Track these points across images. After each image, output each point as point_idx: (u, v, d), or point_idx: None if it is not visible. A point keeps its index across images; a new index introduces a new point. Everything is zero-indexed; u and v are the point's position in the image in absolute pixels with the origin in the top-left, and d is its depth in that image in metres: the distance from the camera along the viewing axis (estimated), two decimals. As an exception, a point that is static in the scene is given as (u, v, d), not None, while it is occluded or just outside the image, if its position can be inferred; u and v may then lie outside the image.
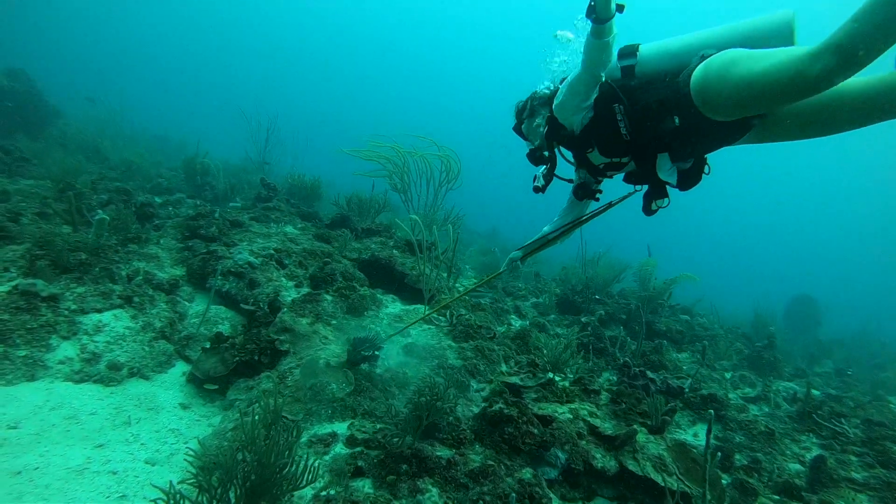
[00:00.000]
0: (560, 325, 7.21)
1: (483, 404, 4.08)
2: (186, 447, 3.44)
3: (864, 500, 4.24)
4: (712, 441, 4.81)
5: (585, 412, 3.98)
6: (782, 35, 2.25)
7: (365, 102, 64.60)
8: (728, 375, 7.08)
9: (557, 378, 4.67)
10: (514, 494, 2.86)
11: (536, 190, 3.12)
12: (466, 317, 5.32)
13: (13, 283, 4.13)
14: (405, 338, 4.98)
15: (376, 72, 69.15)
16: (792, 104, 2.16)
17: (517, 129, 3.24)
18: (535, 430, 3.55)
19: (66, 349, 3.90)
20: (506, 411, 3.61)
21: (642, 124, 2.52)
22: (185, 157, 9.07)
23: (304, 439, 3.39)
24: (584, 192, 3.17)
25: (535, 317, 7.34)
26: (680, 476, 3.48)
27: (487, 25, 62.37)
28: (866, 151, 50.31)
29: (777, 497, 4.18)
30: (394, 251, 6.35)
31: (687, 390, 5.27)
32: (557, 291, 8.50)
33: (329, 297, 5.05)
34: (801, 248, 56.65)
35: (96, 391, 3.80)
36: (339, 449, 3.32)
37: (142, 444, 3.41)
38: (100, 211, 5.70)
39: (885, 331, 14.27)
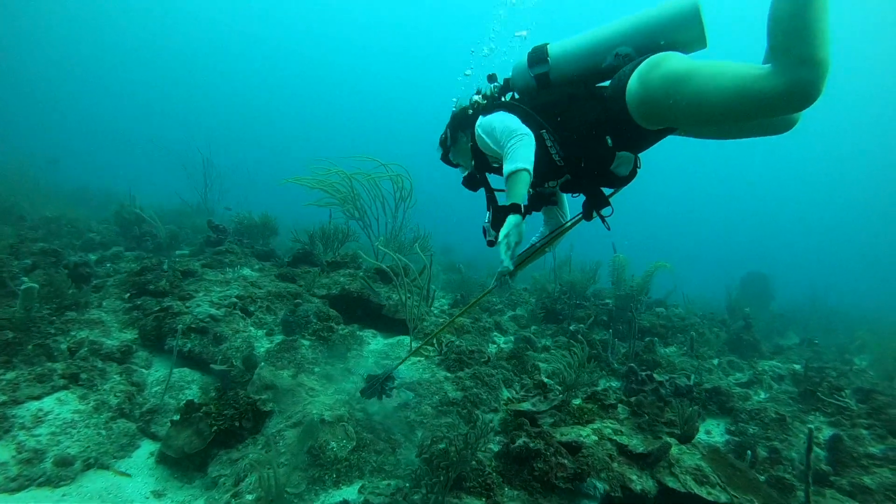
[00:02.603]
0: (544, 336, 6.95)
1: (496, 438, 3.72)
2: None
3: (888, 474, 4.15)
4: (733, 438, 4.63)
5: (609, 430, 3.69)
6: (690, 23, 2.10)
7: (301, 130, 62.85)
8: (716, 362, 7.02)
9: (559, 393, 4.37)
10: (569, 545, 2.51)
11: (490, 244, 2.80)
12: (457, 343, 4.96)
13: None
14: (397, 377, 4.56)
15: (307, 95, 67.60)
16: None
17: (444, 159, 3.09)
18: (567, 462, 3.21)
19: (-1, 452, 3.24)
20: (531, 445, 3.25)
21: (575, 147, 2.36)
22: (116, 208, 8.26)
23: (310, 515, 2.92)
24: (540, 201, 2.95)
25: (517, 331, 7.05)
26: (724, 486, 3.23)
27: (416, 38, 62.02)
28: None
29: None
30: (365, 282, 5.90)
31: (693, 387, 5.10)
32: (532, 301, 8.28)
33: (306, 342, 4.56)
34: (743, 225, 59.17)
35: (41, 497, 3.14)
36: (355, 520, 2.87)
37: (113, 553, 2.83)
38: (25, 279, 4.97)
39: (832, 297, 14.97)
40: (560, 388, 4.48)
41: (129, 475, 3.44)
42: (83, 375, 3.89)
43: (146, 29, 51.38)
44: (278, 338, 4.71)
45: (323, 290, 5.62)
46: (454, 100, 3.04)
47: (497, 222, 2.77)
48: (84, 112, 51.29)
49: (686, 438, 3.65)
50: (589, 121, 2.27)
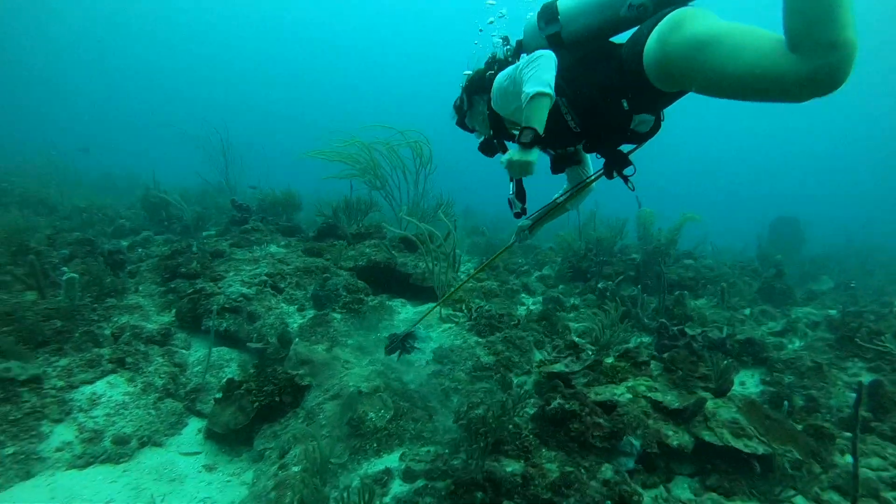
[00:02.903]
0: (572, 295, 6.93)
1: (531, 400, 3.77)
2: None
3: (929, 417, 4.10)
4: (768, 389, 4.61)
5: (643, 387, 3.71)
6: None
7: (317, 100, 61.95)
8: (748, 312, 6.94)
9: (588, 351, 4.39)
10: (609, 502, 2.57)
11: (518, 215, 2.86)
12: (486, 308, 4.99)
13: (-16, 371, 3.63)
14: (429, 343, 4.63)
15: (320, 66, 66.30)
16: None
17: (460, 123, 2.99)
18: (602, 421, 3.25)
19: (62, 433, 3.43)
20: (566, 406, 3.29)
21: (591, 113, 2.27)
22: (142, 193, 8.42)
23: (355, 483, 3.04)
24: (563, 162, 2.88)
25: (544, 291, 7.05)
26: (762, 438, 3.24)
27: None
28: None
29: (849, 433, 4.00)
30: (391, 252, 5.95)
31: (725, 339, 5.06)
32: (559, 260, 8.23)
33: (338, 316, 4.65)
34: (771, 168, 57.15)
35: (106, 473, 3.35)
36: (398, 487, 2.98)
37: (174, 524, 3.00)
38: (66, 269, 5.14)
39: (869, 238, 14.53)
40: (592, 348, 4.50)
41: (199, 452, 3.63)
42: (129, 359, 4.05)
43: (155, 11, 51.08)
44: (310, 313, 4.81)
45: (350, 263, 5.68)
46: (475, 47, 2.95)
47: (521, 191, 2.76)
48: (101, 100, 51.74)
49: (721, 392, 3.64)
50: (604, 84, 2.17)
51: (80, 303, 4.47)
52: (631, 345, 5.02)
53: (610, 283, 6.50)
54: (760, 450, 3.15)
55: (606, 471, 2.97)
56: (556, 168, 2.90)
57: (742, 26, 1.74)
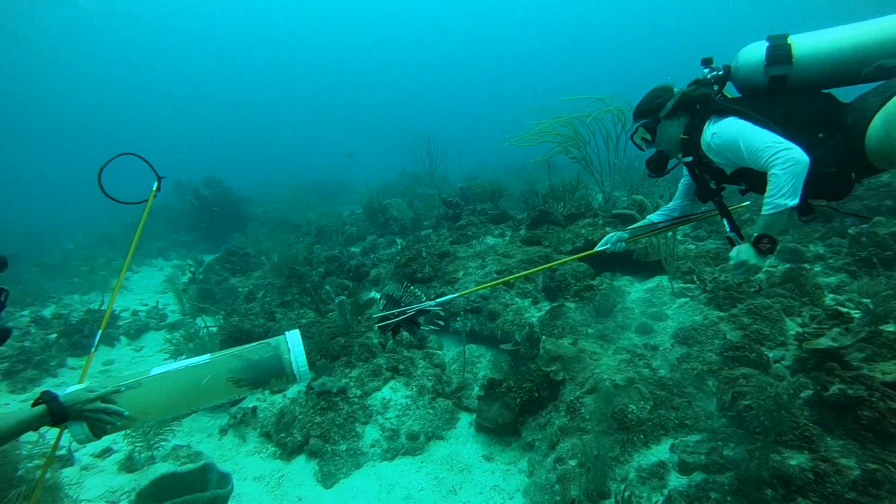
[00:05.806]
0: (811, 241, 6.12)
1: (793, 379, 3.53)
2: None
3: None
4: None
5: (945, 359, 3.22)
6: None
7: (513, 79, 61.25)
8: None
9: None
10: (938, 508, 2.35)
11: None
12: (721, 277, 4.73)
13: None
14: (663, 321, 4.58)
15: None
16: None
17: (642, 117, 2.56)
18: (902, 405, 2.93)
19: (371, 433, 4.22)
20: (850, 392, 3.03)
21: (817, 188, 2.11)
22: (364, 203, 9.60)
23: (632, 475, 3.22)
24: (709, 196, 2.61)
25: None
26: None
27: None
28: None
29: None
30: (606, 229, 5.92)
31: None
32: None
33: (571, 305, 4.83)
34: None
35: (410, 464, 4.05)
36: (676, 480, 3.08)
37: (479, 511, 3.54)
38: (328, 287, 6.18)
39: None
40: (857, 312, 4.01)
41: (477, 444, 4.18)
42: (400, 366, 4.76)
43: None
44: (544, 305, 5.07)
45: (568, 246, 5.80)
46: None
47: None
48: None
49: None
50: (839, 163, 2.02)
51: (350, 319, 5.35)
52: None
53: (865, 226, 5.60)
54: None
55: (922, 465, 2.69)
56: (703, 197, 2.64)
57: None
